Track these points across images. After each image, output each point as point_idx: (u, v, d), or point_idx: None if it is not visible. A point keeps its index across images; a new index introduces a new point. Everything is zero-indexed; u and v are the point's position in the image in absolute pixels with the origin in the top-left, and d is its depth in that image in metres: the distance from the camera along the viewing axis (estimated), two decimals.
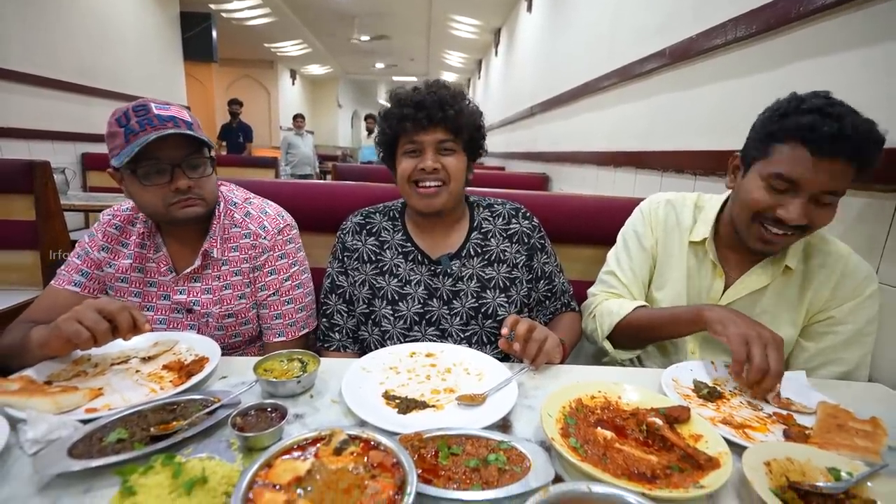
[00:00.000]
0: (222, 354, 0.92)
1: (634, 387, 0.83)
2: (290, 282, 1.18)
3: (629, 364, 1.20)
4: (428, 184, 1.08)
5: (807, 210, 0.90)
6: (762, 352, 0.85)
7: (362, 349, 1.15)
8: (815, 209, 0.91)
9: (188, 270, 1.11)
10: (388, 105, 1.13)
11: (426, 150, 1.08)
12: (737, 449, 0.68)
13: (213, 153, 1.10)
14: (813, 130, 0.85)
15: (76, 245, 1.13)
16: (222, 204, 1.15)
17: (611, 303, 1.16)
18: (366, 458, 0.56)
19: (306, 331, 1.20)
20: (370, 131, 8.81)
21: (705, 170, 1.71)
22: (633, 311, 1.11)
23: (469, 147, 1.13)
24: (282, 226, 1.18)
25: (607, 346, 1.16)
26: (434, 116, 1.06)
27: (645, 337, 1.14)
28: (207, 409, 0.71)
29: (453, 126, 1.07)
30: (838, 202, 0.92)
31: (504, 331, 0.93)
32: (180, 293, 1.13)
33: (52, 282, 1.10)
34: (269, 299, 1.16)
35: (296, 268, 1.19)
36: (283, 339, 1.17)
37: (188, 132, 1.00)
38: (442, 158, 1.08)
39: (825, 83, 1.19)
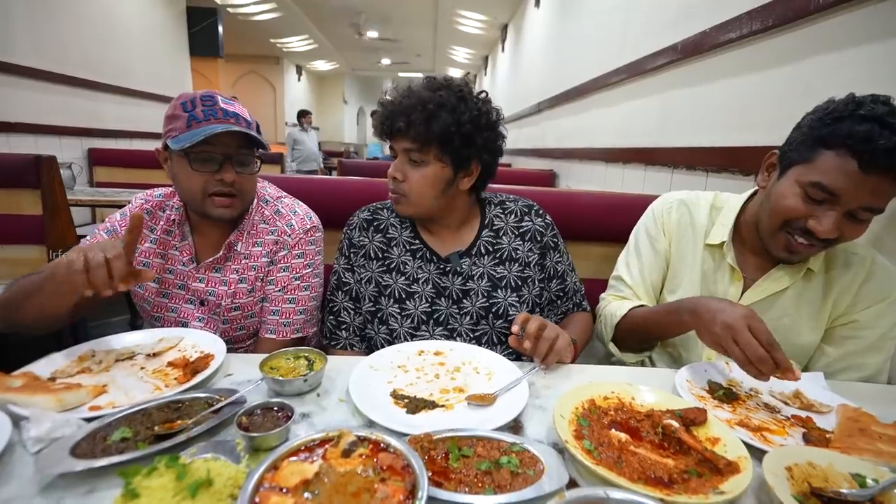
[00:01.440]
0: (227, 348, 0.91)
1: (649, 387, 0.81)
2: (298, 281, 1.16)
3: (640, 365, 1.17)
4: (391, 192, 1.08)
5: (840, 224, 0.85)
6: (734, 346, 0.81)
7: (369, 348, 1.13)
8: (848, 223, 0.86)
9: (210, 260, 1.12)
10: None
11: (398, 156, 1.07)
12: (755, 452, 0.66)
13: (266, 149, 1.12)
14: (868, 142, 0.78)
15: (105, 220, 1.14)
16: (255, 200, 1.16)
17: (613, 304, 1.15)
18: (375, 461, 0.54)
19: (300, 335, 1.17)
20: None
21: (717, 166, 1.67)
22: (630, 310, 1.09)
23: (454, 157, 1.03)
24: (308, 227, 1.18)
25: (613, 348, 1.14)
26: (395, 125, 1.01)
27: (643, 337, 1.11)
28: (213, 408, 0.70)
29: (419, 136, 1.00)
30: (872, 218, 0.86)
31: (514, 328, 0.91)
32: (199, 281, 1.14)
33: (74, 248, 1.09)
34: (273, 294, 1.15)
35: (308, 270, 1.18)
36: (274, 336, 1.14)
37: (252, 133, 1.04)
38: (408, 169, 1.05)
39: (846, 78, 1.17)
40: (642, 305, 1.12)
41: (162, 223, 1.14)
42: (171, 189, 1.16)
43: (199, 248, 1.15)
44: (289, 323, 1.15)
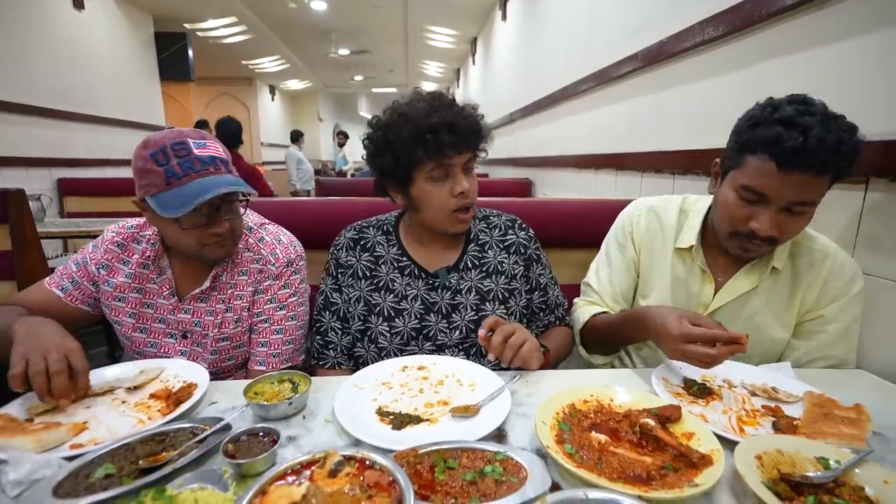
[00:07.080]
0: (214, 379, 0.91)
1: (626, 388, 0.84)
2: (284, 311, 1.15)
3: (620, 365, 1.21)
4: (467, 209, 1.07)
5: (777, 221, 0.90)
6: (691, 348, 0.85)
7: (357, 366, 1.14)
8: (786, 219, 0.90)
9: (196, 291, 1.10)
10: (397, 127, 1.01)
11: (456, 173, 1.04)
12: (728, 444, 0.69)
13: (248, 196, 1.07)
14: (777, 144, 0.83)
15: (79, 251, 1.13)
16: None
17: (581, 310, 1.20)
18: (361, 479, 0.56)
19: (289, 365, 1.16)
20: (341, 146, 9.27)
21: (683, 169, 1.74)
22: (593, 316, 1.14)
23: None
24: (293, 256, 1.16)
25: (581, 350, 1.19)
26: (467, 141, 1.04)
27: (605, 341, 1.15)
28: (198, 438, 0.70)
29: (477, 144, 1.08)
30: (815, 208, 0.91)
31: (482, 332, 0.92)
32: (185, 312, 1.12)
33: (46, 278, 1.12)
34: (260, 325, 1.14)
35: (294, 298, 1.17)
36: (264, 368, 1.13)
37: (240, 189, 0.99)
38: (465, 179, 1.05)
39: (792, 81, 1.24)
40: (605, 312, 1.17)
41: (136, 256, 1.11)
42: (143, 220, 1.13)
43: (179, 281, 1.12)
44: (278, 354, 1.14)
